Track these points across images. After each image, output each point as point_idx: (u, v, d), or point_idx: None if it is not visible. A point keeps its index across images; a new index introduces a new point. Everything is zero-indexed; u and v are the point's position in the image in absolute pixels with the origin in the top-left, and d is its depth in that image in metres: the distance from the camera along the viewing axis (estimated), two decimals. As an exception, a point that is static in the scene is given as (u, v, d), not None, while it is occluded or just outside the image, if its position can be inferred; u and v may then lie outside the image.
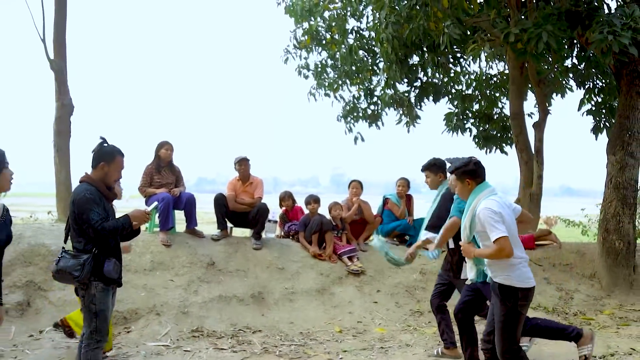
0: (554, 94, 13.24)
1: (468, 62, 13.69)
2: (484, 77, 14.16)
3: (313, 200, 9.77)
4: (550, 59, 11.99)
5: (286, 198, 10.40)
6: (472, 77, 14.32)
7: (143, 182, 9.28)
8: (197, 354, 6.98)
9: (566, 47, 10.81)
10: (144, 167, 9.32)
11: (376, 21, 11.45)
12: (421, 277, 9.41)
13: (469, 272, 5.66)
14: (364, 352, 7.18)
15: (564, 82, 13.00)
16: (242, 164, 9.70)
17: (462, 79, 14.29)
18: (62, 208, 11.69)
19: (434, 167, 7.04)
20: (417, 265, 9.46)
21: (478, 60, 13.71)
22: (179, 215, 9.64)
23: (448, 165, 5.92)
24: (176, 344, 7.27)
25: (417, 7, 9.78)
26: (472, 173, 5.17)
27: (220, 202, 9.51)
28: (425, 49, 11.54)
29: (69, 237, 5.20)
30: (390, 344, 7.49)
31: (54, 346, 7.01)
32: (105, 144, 5.13)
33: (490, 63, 13.97)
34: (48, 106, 13.67)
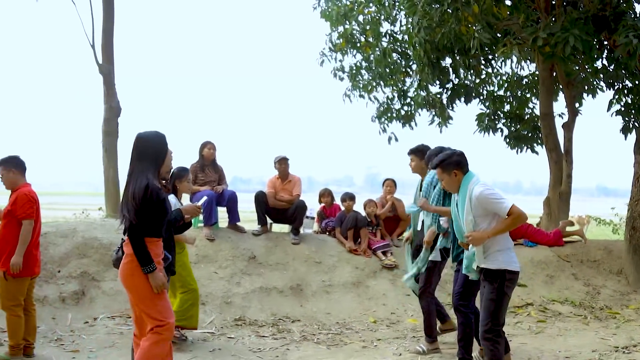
0: (585, 95, 13.46)
1: (499, 64, 13.94)
2: (515, 78, 14.40)
3: (348, 197, 10.17)
4: (580, 61, 12.21)
5: (325, 195, 10.80)
6: (504, 78, 14.58)
7: (192, 179, 9.73)
8: (240, 340, 7.47)
9: (596, 48, 11.05)
10: (189, 166, 9.81)
11: (409, 25, 11.80)
12: (451, 272, 9.75)
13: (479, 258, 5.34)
14: (396, 340, 7.61)
15: (594, 82, 13.21)
16: (282, 163, 10.11)
17: (494, 80, 14.55)
18: (111, 205, 12.27)
19: (420, 153, 7.11)
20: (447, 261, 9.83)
21: (509, 62, 13.96)
22: (222, 212, 10.11)
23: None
24: (220, 332, 7.78)
25: (449, 12, 10.12)
26: (458, 164, 5.24)
27: (261, 200, 9.95)
28: (456, 52, 11.84)
29: None
30: (422, 334, 7.82)
31: (108, 332, 7.54)
32: None
33: (522, 64, 14.18)
34: (97, 109, 14.30)
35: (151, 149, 4.76)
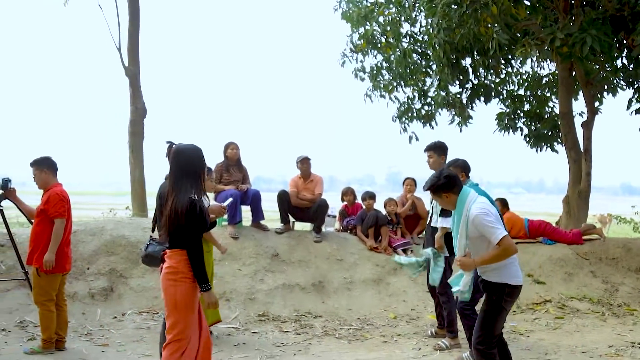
0: (605, 93, 13.50)
1: (519, 64, 14.04)
2: (535, 78, 14.48)
3: (369, 196, 10.35)
4: (602, 60, 12.27)
5: (348, 193, 10.97)
6: (524, 77, 14.67)
7: (217, 179, 9.92)
8: (264, 335, 7.71)
9: (616, 47, 11.12)
10: (214, 166, 10.05)
11: (428, 27, 11.94)
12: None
13: (458, 252, 5.23)
14: (416, 335, 7.81)
15: (614, 81, 13.24)
16: (304, 162, 10.30)
17: (515, 79, 14.65)
18: (137, 204, 12.58)
19: (439, 149, 7.33)
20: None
21: (529, 61, 14.06)
22: (245, 211, 10.34)
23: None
24: (245, 327, 8.02)
25: (468, 13, 10.26)
26: (445, 186, 5.07)
27: (284, 198, 10.16)
28: (475, 52, 11.98)
29: (156, 227, 5.89)
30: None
31: (136, 327, 7.81)
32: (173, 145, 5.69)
33: (542, 63, 14.26)
34: (123, 110, 14.65)
35: (188, 162, 4.86)
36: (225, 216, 9.82)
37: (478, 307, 5.69)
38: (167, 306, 4.77)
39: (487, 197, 5.23)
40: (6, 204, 7.33)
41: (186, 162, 4.83)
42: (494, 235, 4.78)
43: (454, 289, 5.41)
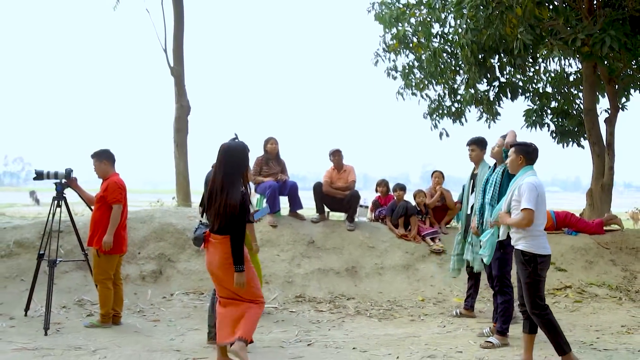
0: (633, 90, 13.86)
1: (545, 62, 14.47)
2: (564, 75, 14.87)
3: (399, 188, 10.96)
4: (625, 58, 12.64)
5: (382, 185, 11.59)
6: (552, 74, 15.07)
7: (253, 171, 10.55)
8: (301, 314, 8.39)
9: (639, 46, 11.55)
10: (255, 158, 10.70)
11: (457, 27, 12.47)
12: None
13: (502, 233, 6.41)
14: (442, 315, 8.43)
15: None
16: (336, 154, 10.93)
17: (543, 77, 15.08)
18: (181, 195, 13.35)
19: (480, 143, 7.93)
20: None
21: (557, 59, 14.45)
22: (283, 202, 11.00)
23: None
24: (283, 307, 8.71)
25: (494, 15, 10.79)
26: (527, 154, 5.97)
27: (319, 190, 10.80)
28: (502, 52, 12.47)
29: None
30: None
31: (183, 306, 8.55)
32: (237, 140, 6.36)
33: (569, 61, 14.63)
34: (168, 107, 15.45)
35: (236, 159, 5.58)
36: (264, 206, 10.44)
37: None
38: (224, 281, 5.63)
39: None
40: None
41: (236, 159, 5.57)
42: (524, 203, 5.66)
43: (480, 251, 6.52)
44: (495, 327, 7.06)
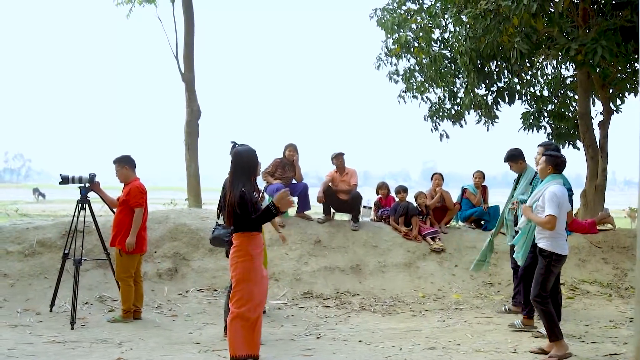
0: (627, 93, 14.25)
1: (542, 66, 14.89)
2: (560, 78, 15.26)
3: (402, 189, 11.45)
4: (617, 65, 13.05)
5: (382, 187, 12.07)
6: (550, 77, 15.47)
7: (268, 170, 10.99)
8: (309, 309, 8.92)
9: (631, 52, 12.00)
10: (274, 158, 11.14)
11: (457, 35, 12.88)
12: (493, 255, 10.86)
13: (520, 223, 7.24)
14: (442, 311, 8.95)
15: (634, 82, 13.97)
16: (338, 158, 11.37)
17: (540, 80, 15.49)
18: (192, 196, 13.87)
19: (514, 157, 8.58)
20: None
21: (553, 63, 14.83)
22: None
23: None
24: (292, 303, 9.24)
25: (492, 25, 11.24)
26: (556, 164, 6.72)
27: (326, 193, 11.21)
28: (499, 59, 12.92)
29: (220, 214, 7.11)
30: (464, 307, 9.20)
31: (199, 302, 9.07)
32: (237, 145, 6.75)
33: (565, 65, 14.98)
34: (179, 112, 15.97)
35: (244, 162, 5.91)
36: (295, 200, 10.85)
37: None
38: (232, 279, 5.88)
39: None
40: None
41: (242, 162, 5.96)
42: (548, 210, 6.42)
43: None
44: (525, 317, 7.79)
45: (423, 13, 14.55)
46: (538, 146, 8.35)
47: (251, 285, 5.76)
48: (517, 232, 7.97)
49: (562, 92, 15.25)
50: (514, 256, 7.57)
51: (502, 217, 8.83)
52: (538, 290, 6.54)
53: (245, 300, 5.72)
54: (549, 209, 6.40)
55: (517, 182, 8.63)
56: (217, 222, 7.27)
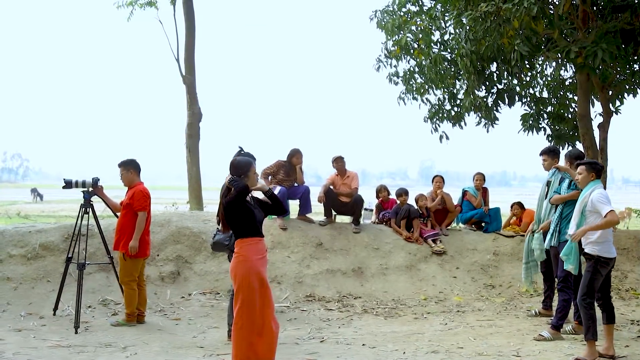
0: (627, 94, 14.30)
1: (543, 68, 14.94)
2: (560, 80, 15.30)
3: (403, 192, 11.48)
4: (617, 67, 13.10)
5: (382, 190, 12.08)
6: (550, 78, 15.51)
7: (269, 170, 10.95)
8: (311, 312, 8.97)
9: (631, 54, 12.06)
10: (278, 160, 11.12)
11: (457, 37, 12.90)
12: (494, 257, 10.95)
13: (571, 229, 7.06)
14: (443, 314, 8.99)
15: (634, 83, 14.03)
16: (338, 161, 11.39)
17: (540, 81, 15.53)
18: (194, 198, 13.91)
19: (552, 153, 8.63)
20: (490, 246, 11.12)
21: (554, 65, 14.87)
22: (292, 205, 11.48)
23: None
24: (294, 305, 9.30)
25: (492, 27, 11.26)
26: (597, 171, 6.87)
27: (328, 195, 11.25)
28: (499, 61, 12.94)
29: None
30: (466, 309, 9.24)
31: (201, 305, 9.11)
32: (242, 152, 6.80)
33: (565, 67, 15.03)
34: (180, 114, 16.03)
35: (236, 170, 6.00)
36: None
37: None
38: (233, 287, 5.97)
39: None
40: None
41: (233, 170, 6.04)
42: (604, 209, 6.51)
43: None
44: (551, 321, 7.80)
45: (423, 15, 14.54)
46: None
47: (252, 293, 5.80)
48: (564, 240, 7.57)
49: (561, 93, 15.26)
50: (565, 267, 7.36)
51: (539, 217, 8.67)
52: (585, 291, 6.70)
53: (247, 309, 5.77)
54: (606, 207, 6.52)
55: (548, 182, 8.49)
56: (217, 228, 7.32)
